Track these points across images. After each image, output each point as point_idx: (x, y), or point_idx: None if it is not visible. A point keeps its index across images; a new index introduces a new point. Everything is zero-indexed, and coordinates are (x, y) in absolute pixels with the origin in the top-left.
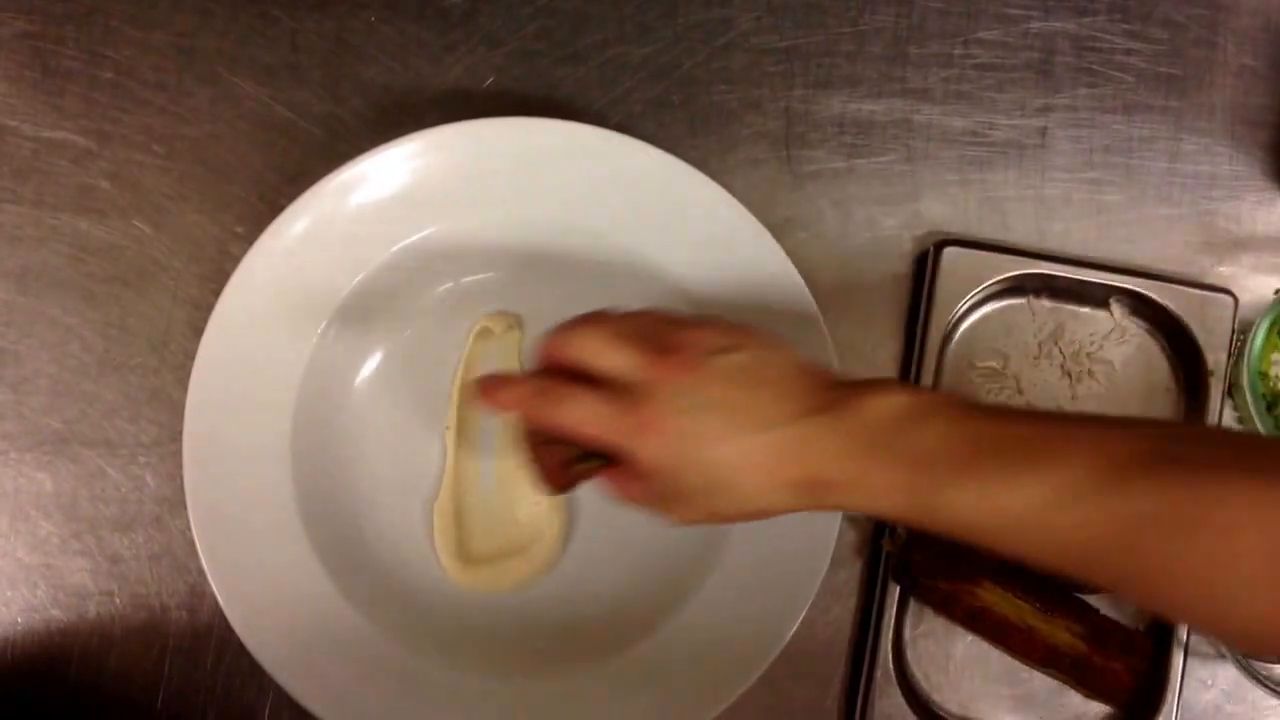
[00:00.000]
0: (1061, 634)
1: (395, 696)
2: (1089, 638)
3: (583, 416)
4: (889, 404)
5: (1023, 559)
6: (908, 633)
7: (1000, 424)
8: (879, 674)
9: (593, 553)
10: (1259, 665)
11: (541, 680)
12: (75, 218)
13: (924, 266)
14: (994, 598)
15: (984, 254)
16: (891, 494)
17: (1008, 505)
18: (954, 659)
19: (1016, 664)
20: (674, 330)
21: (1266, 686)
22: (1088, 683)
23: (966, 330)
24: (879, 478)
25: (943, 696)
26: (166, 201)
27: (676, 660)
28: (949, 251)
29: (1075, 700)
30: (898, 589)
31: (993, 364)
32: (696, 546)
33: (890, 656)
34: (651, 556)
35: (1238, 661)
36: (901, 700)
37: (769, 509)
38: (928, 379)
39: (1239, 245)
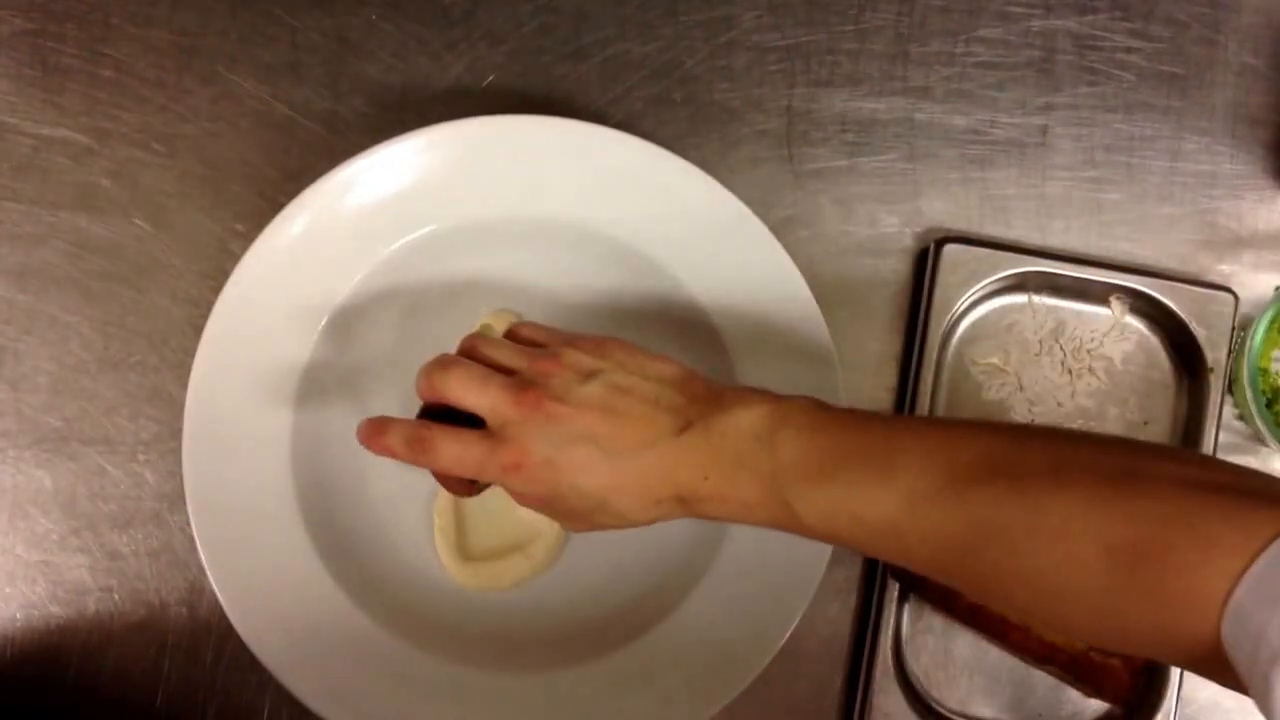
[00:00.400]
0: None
1: (395, 693)
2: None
3: (455, 460)
4: (748, 417)
5: (890, 562)
6: (907, 630)
7: (849, 433)
8: (878, 671)
9: (592, 550)
10: None
11: (541, 677)
12: (75, 215)
13: (924, 264)
14: None
15: (985, 251)
16: (756, 506)
17: (859, 513)
18: (953, 656)
19: (1016, 661)
20: (539, 360)
21: None
22: (1086, 680)
23: (967, 328)
24: (743, 491)
25: (942, 694)
26: (166, 199)
27: (677, 657)
28: (949, 249)
29: (1074, 697)
30: (897, 586)
31: (994, 361)
32: (695, 544)
33: (890, 654)
34: (650, 554)
35: None
36: (901, 697)
37: (650, 521)
38: (928, 376)
39: (1240, 243)
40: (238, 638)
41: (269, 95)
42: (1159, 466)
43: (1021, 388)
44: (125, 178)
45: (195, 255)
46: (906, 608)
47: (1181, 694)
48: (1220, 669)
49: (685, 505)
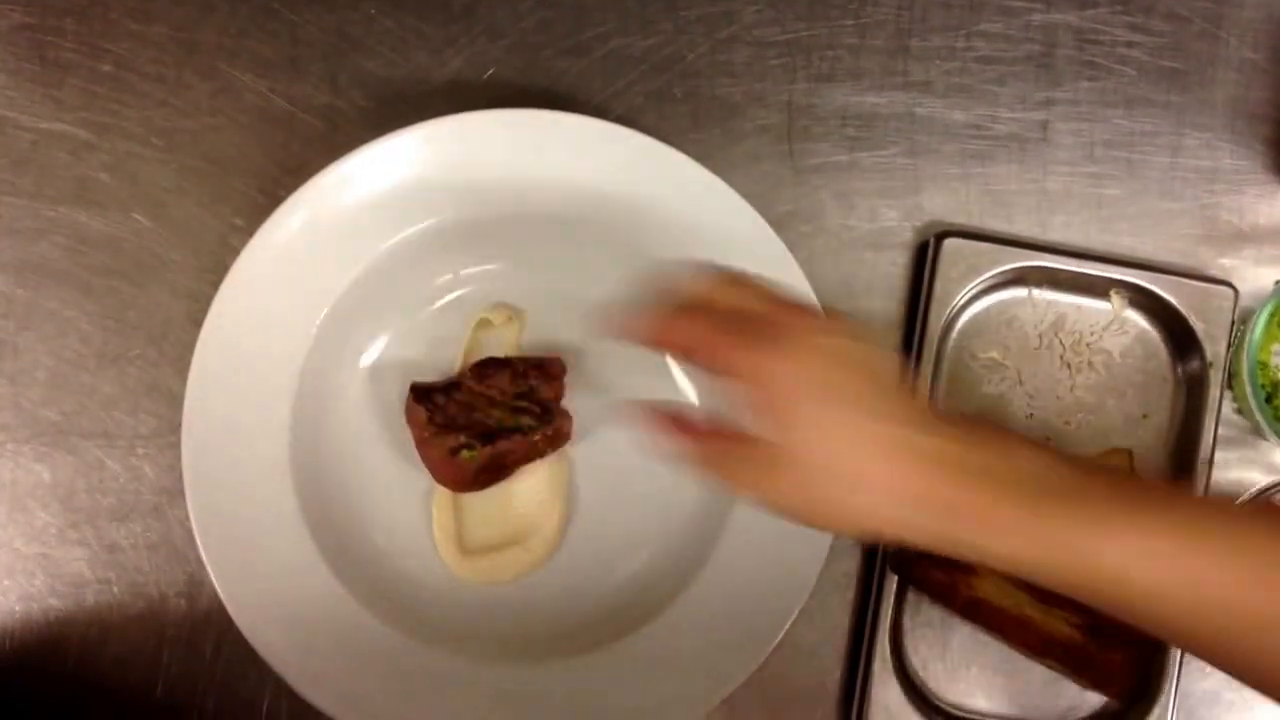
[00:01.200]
0: (1059, 624)
1: (394, 686)
2: (1086, 628)
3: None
4: (1018, 444)
5: (1181, 636)
6: (906, 623)
7: (1155, 486)
8: (876, 664)
9: (592, 543)
10: None
11: (541, 669)
12: (74, 210)
13: (925, 259)
14: (991, 588)
15: (985, 246)
16: (1023, 532)
17: (1194, 578)
18: (951, 649)
19: (1014, 654)
20: (775, 316)
21: None
22: (1085, 673)
23: (967, 321)
24: (1010, 509)
25: (940, 686)
26: (166, 194)
27: (675, 649)
28: (949, 243)
29: (1072, 690)
30: (896, 580)
31: (993, 355)
32: (696, 535)
33: (888, 647)
34: (651, 546)
35: None
36: (899, 690)
37: (875, 513)
38: (927, 369)
39: (1240, 238)
40: (236, 630)
41: (268, 90)
42: None
43: (1021, 381)
44: (124, 172)
45: (194, 250)
46: (906, 601)
47: (1180, 686)
48: None
49: (933, 510)
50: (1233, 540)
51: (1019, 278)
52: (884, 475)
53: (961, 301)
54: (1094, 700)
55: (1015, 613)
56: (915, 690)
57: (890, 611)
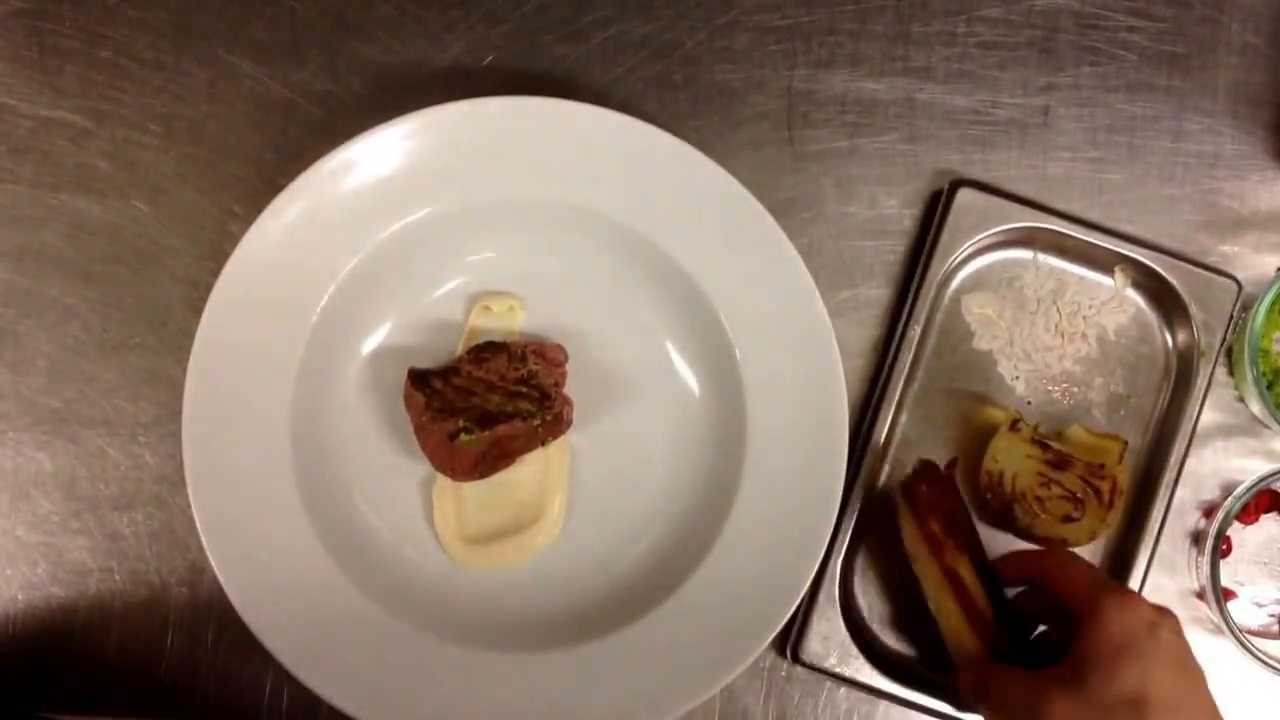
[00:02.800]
0: (996, 631)
1: (393, 671)
2: (1010, 651)
3: (1091, 573)
4: None
5: None
6: (859, 564)
7: None
8: (822, 595)
9: (593, 531)
10: (1257, 643)
11: (543, 655)
12: (73, 197)
13: (923, 244)
14: (968, 574)
15: (998, 201)
16: None
17: None
18: (900, 598)
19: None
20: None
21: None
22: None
23: (969, 275)
24: None
25: (881, 630)
26: (165, 181)
27: (677, 637)
28: (964, 192)
29: None
30: (854, 517)
31: (989, 311)
32: (697, 524)
33: (837, 580)
34: (652, 534)
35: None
36: (841, 623)
37: None
38: (921, 314)
39: (1242, 224)
40: (238, 617)
41: (267, 76)
42: None
43: (1012, 343)
44: (123, 159)
45: (194, 237)
46: (862, 546)
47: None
48: None
49: None
50: None
51: (1027, 239)
52: None
53: (966, 253)
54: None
55: (978, 605)
56: (856, 628)
57: (844, 547)
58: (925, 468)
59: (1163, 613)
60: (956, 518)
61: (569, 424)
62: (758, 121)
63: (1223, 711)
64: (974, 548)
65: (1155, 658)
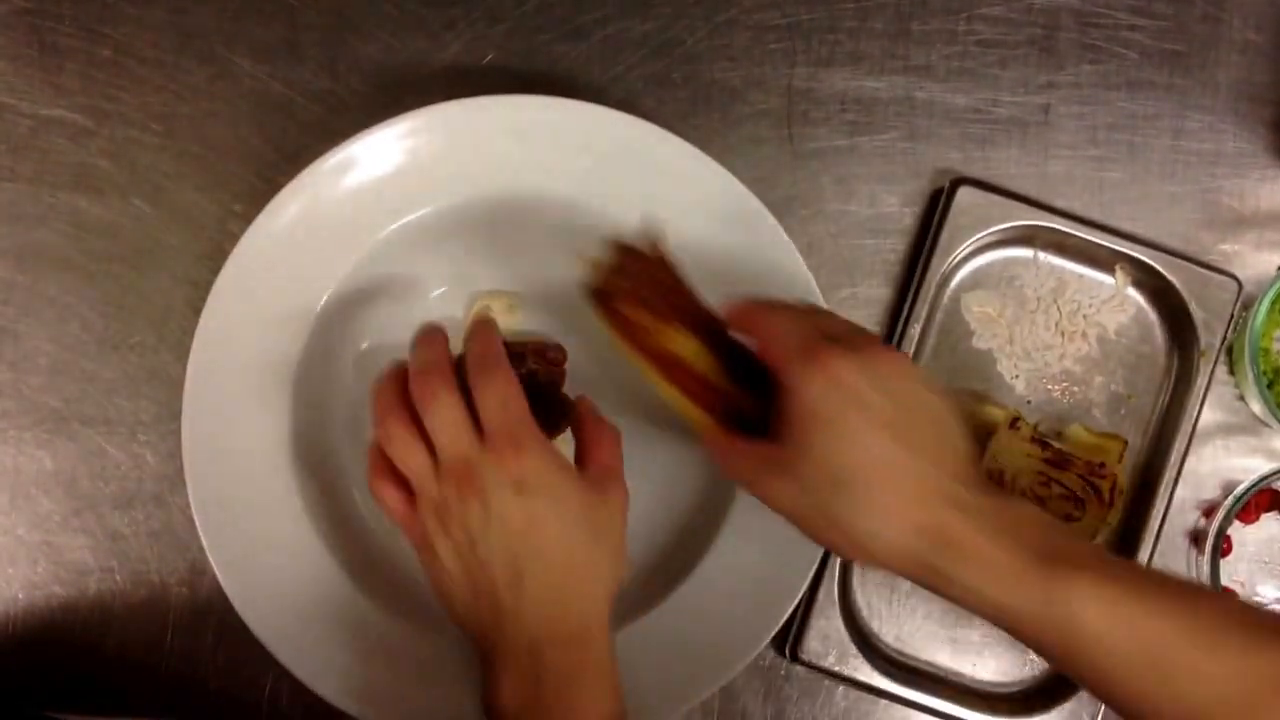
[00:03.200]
0: (736, 397)
1: (394, 671)
2: (759, 414)
3: (787, 332)
4: (1031, 507)
5: (1132, 700)
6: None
7: (1136, 564)
8: (821, 593)
9: None
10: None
11: None
12: (73, 196)
13: (923, 242)
14: (689, 346)
15: (998, 198)
16: (1018, 583)
17: (1144, 631)
18: (898, 592)
19: (958, 609)
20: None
21: None
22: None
23: (969, 273)
24: (1008, 559)
25: (881, 626)
26: (165, 180)
27: (675, 634)
28: (964, 190)
29: (1009, 650)
30: None
31: (989, 310)
32: (696, 522)
33: (836, 579)
34: (651, 533)
35: None
36: (840, 622)
37: (876, 539)
38: (921, 312)
39: (1243, 222)
40: (238, 617)
41: (267, 75)
42: None
43: (1011, 341)
44: (123, 158)
45: (194, 236)
46: None
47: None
48: None
49: (931, 542)
50: (1175, 601)
51: (1027, 237)
52: (897, 502)
53: (966, 251)
54: (1034, 665)
55: (709, 378)
56: (855, 625)
57: None
58: (610, 259)
59: (866, 363)
60: (654, 291)
61: (568, 425)
62: (757, 119)
63: None
64: (689, 312)
65: (847, 425)
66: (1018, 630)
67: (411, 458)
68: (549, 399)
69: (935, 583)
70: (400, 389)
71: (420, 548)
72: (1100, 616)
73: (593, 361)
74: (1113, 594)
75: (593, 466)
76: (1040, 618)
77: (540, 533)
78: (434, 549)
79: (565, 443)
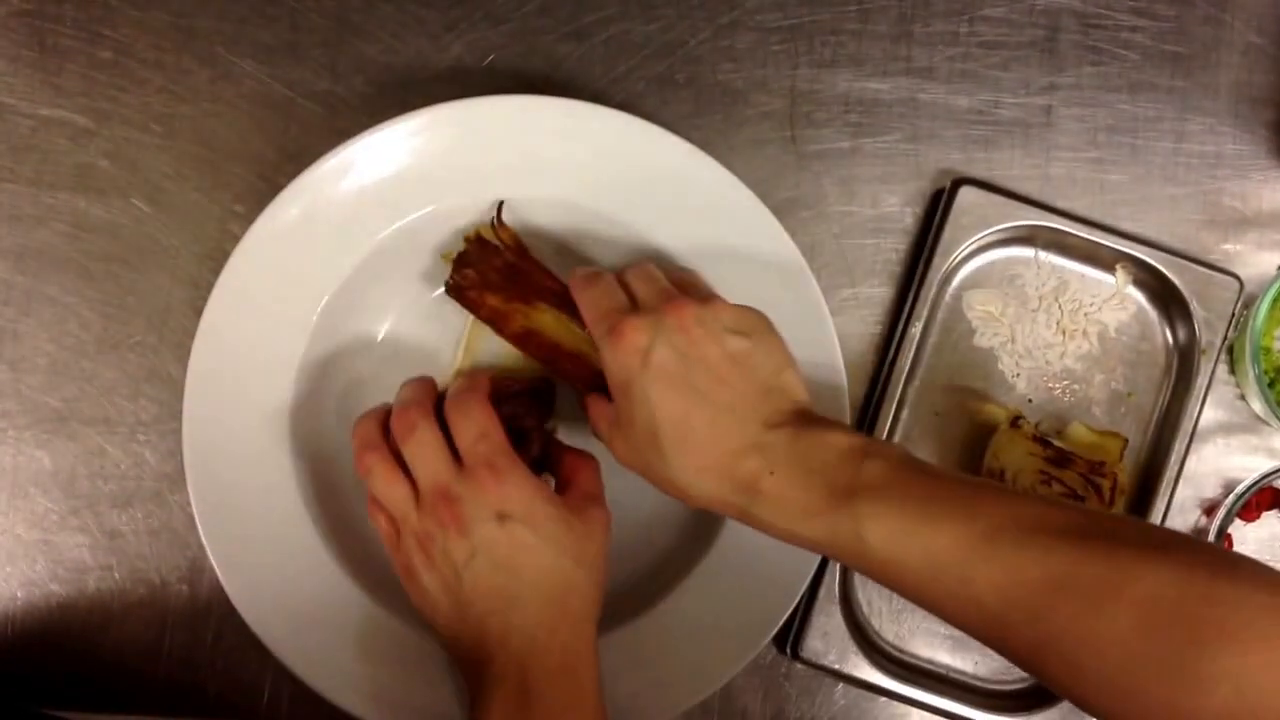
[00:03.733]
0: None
1: (395, 672)
2: None
3: (595, 305)
4: (839, 437)
5: (939, 612)
6: None
7: (940, 479)
8: (822, 591)
9: None
10: None
11: None
12: (73, 196)
13: (925, 242)
14: (548, 320)
15: (999, 198)
16: (816, 516)
17: (932, 546)
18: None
19: None
20: (692, 293)
21: None
22: None
23: (970, 272)
24: (809, 496)
25: (881, 624)
26: (165, 180)
27: (675, 634)
28: (965, 190)
29: None
30: None
31: (990, 309)
32: (697, 522)
33: (837, 577)
34: (652, 532)
35: None
36: (840, 620)
37: (692, 488)
38: (923, 310)
39: (1244, 223)
40: (238, 616)
41: (268, 76)
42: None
43: (1013, 340)
44: (124, 159)
45: (194, 236)
46: None
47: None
48: None
49: (740, 491)
50: (954, 510)
51: (1028, 236)
52: (701, 455)
53: (967, 250)
54: None
55: (570, 348)
56: (855, 623)
57: None
58: (467, 253)
59: (658, 324)
60: (502, 275)
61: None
62: (760, 121)
63: None
64: (542, 288)
65: (643, 388)
66: (822, 553)
67: (391, 490)
68: (531, 441)
69: (746, 521)
70: (379, 423)
71: (404, 577)
72: (881, 538)
73: None
74: (891, 513)
75: (573, 491)
76: (832, 544)
77: (524, 562)
78: (418, 579)
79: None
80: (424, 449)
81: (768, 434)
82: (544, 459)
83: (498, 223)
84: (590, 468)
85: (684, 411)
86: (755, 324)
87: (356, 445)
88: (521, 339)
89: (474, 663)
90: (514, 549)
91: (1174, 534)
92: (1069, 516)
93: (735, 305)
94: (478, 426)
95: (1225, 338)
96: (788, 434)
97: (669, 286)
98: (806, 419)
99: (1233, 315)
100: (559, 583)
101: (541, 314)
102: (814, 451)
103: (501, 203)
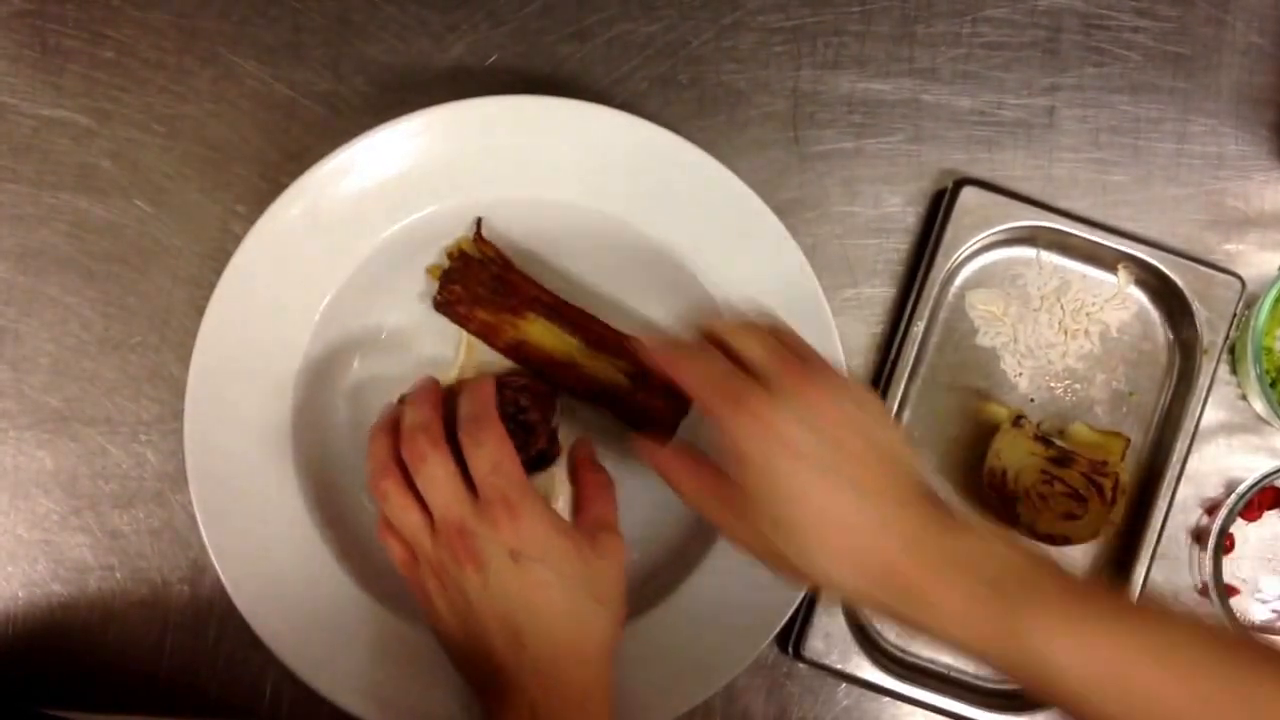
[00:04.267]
0: (605, 369)
1: (395, 670)
2: (632, 375)
3: (704, 377)
4: (989, 535)
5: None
6: None
7: (1109, 589)
8: None
9: None
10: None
11: None
12: (75, 196)
13: (927, 242)
14: (538, 331)
15: (1002, 199)
16: (968, 622)
17: (1114, 658)
18: None
19: None
20: (814, 362)
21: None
22: (632, 419)
23: (972, 272)
24: (960, 600)
25: (883, 627)
26: (167, 180)
27: (677, 634)
28: (967, 190)
29: None
30: None
31: (993, 308)
32: (698, 521)
33: None
34: (653, 532)
35: (1223, 605)
36: (842, 619)
37: (834, 583)
38: (925, 309)
39: (1246, 224)
40: (239, 616)
41: (270, 76)
42: None
43: (1015, 339)
44: (126, 159)
45: (196, 236)
46: None
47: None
48: None
49: (885, 585)
50: (1162, 641)
51: (1030, 237)
52: (848, 547)
53: (970, 250)
54: None
55: (563, 358)
56: (858, 623)
57: None
58: (453, 269)
59: (794, 403)
60: (488, 288)
61: (554, 459)
62: (763, 122)
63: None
64: (529, 298)
65: (780, 471)
66: (987, 664)
67: (406, 517)
68: (536, 435)
69: (900, 623)
70: (392, 446)
71: (421, 600)
72: (1067, 649)
73: None
74: (1077, 624)
75: (587, 519)
76: (1006, 654)
77: (539, 599)
78: (433, 601)
79: (550, 476)
80: (436, 481)
81: (913, 526)
82: (548, 454)
83: (478, 238)
84: (608, 494)
85: (821, 499)
86: (858, 384)
87: (370, 469)
88: (513, 350)
89: (486, 691)
90: (528, 587)
91: None
92: (1256, 648)
93: (833, 365)
94: (492, 458)
95: (1227, 337)
96: (935, 525)
97: (781, 348)
98: (934, 500)
99: (1234, 315)
100: (576, 621)
101: (531, 324)
102: (968, 546)
103: (480, 219)
